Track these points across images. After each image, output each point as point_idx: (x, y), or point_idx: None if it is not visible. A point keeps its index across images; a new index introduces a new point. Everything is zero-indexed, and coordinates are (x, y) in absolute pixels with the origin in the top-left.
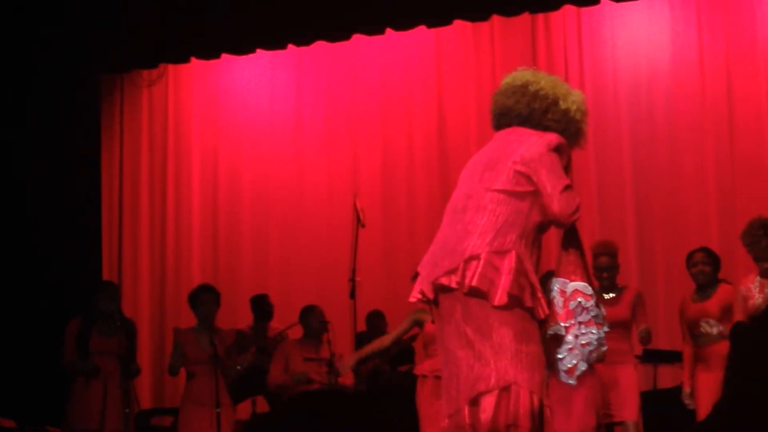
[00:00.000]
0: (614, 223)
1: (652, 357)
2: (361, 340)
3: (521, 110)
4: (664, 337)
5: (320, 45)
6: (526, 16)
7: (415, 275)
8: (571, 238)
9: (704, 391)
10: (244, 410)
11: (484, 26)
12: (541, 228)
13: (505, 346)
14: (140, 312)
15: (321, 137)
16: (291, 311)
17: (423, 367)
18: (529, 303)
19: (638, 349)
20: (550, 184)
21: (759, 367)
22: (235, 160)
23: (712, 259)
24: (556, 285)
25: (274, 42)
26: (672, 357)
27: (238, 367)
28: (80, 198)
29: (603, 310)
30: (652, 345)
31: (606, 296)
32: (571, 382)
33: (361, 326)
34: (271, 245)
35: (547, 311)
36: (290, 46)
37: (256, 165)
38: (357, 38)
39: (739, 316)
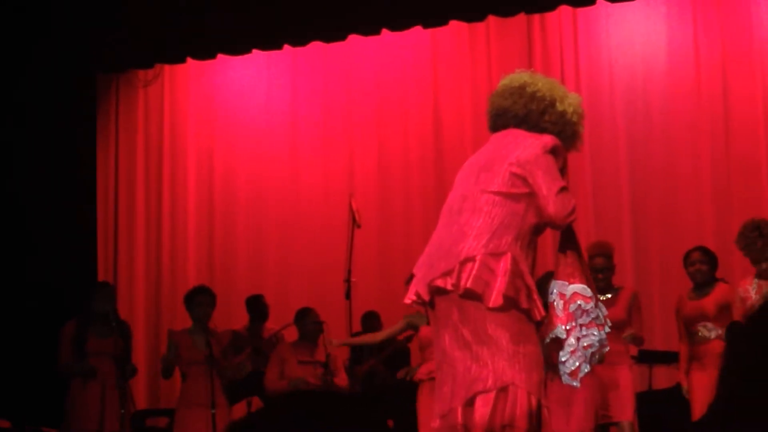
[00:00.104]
0: (610, 223)
1: (648, 358)
2: None
3: (518, 111)
4: (660, 337)
5: (316, 45)
6: (521, 17)
7: (410, 278)
8: (568, 240)
9: (698, 390)
10: (239, 411)
11: (479, 26)
12: (537, 230)
13: (503, 347)
14: (136, 312)
15: (317, 138)
16: (287, 312)
17: (420, 371)
18: (524, 305)
19: (633, 350)
20: (546, 186)
21: (754, 366)
22: (230, 161)
23: (709, 258)
24: (555, 288)
25: (270, 42)
26: (667, 358)
27: (237, 375)
28: (75, 198)
29: (604, 309)
30: (647, 346)
31: (602, 297)
32: (574, 384)
33: (357, 327)
34: (267, 245)
35: (543, 313)
36: (286, 47)
37: (252, 165)
38: (353, 39)
39: (737, 318)
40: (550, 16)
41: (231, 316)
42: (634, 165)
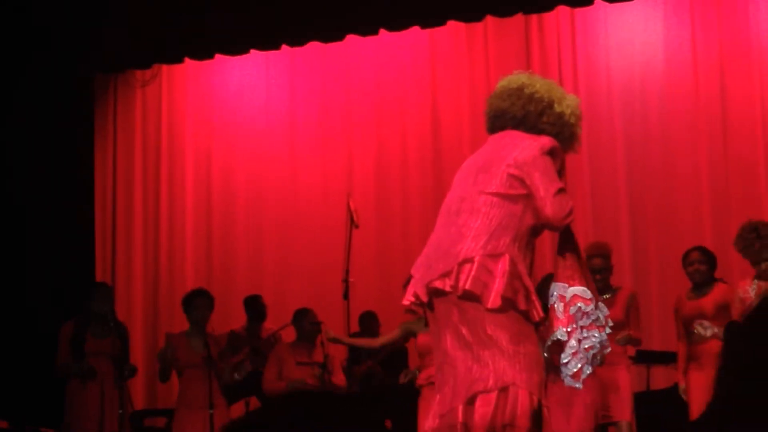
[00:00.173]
0: (608, 224)
1: (646, 358)
2: None
3: (516, 113)
4: (658, 338)
5: (314, 45)
6: (519, 17)
7: (407, 281)
8: (567, 242)
9: (696, 390)
10: (238, 411)
11: (477, 27)
12: (535, 231)
13: (503, 347)
14: (134, 313)
15: (315, 138)
16: (285, 312)
17: (420, 377)
18: (523, 306)
19: (631, 351)
20: (543, 187)
21: (752, 366)
22: (228, 161)
23: (708, 258)
24: (556, 290)
25: (268, 42)
26: (665, 358)
27: (236, 376)
28: (73, 199)
29: (606, 310)
30: (645, 346)
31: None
32: (577, 386)
33: (355, 327)
34: (265, 246)
35: (541, 314)
36: (284, 47)
37: (250, 165)
38: (351, 39)
39: (736, 318)
40: (548, 17)
41: (229, 317)
42: (632, 166)
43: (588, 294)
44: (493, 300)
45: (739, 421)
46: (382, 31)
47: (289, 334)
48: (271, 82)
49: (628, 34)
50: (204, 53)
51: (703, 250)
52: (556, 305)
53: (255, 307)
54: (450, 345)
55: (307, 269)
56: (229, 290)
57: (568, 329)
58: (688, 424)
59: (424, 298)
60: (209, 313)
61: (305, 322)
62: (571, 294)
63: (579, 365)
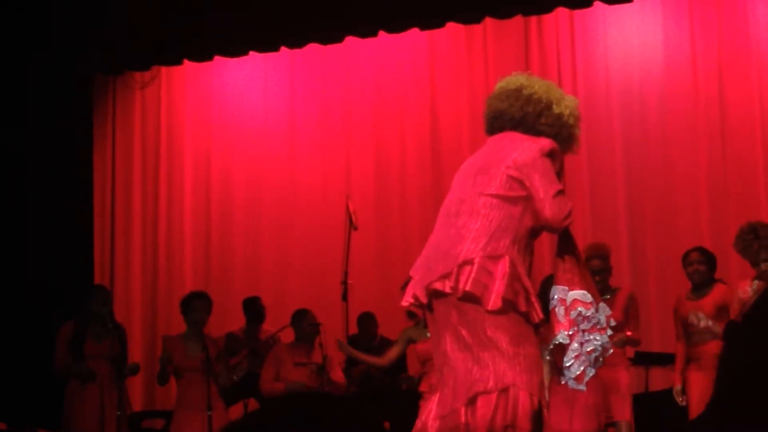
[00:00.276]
0: (607, 225)
1: (644, 359)
2: (352, 342)
3: (514, 114)
4: (657, 339)
5: (313, 47)
6: (518, 19)
7: (406, 282)
8: (566, 244)
9: (696, 390)
10: (236, 413)
11: (476, 28)
12: (534, 233)
13: (503, 349)
14: (132, 314)
15: (314, 139)
16: (283, 313)
17: (422, 385)
18: (523, 307)
19: (630, 352)
20: (543, 188)
21: (751, 365)
22: (227, 162)
23: (708, 259)
24: (556, 294)
25: (267, 44)
26: (664, 359)
27: (234, 377)
28: (72, 199)
29: (608, 310)
30: (644, 347)
31: None
32: (581, 388)
33: (353, 328)
34: (264, 247)
35: (541, 315)
36: (283, 49)
37: (249, 167)
38: (350, 40)
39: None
40: (547, 18)
41: (228, 318)
42: (631, 167)
43: (588, 297)
44: (494, 302)
45: (738, 421)
46: (382, 33)
47: (288, 335)
48: (270, 83)
49: (627, 36)
50: (203, 55)
51: (702, 251)
52: (557, 309)
53: (254, 308)
54: (450, 346)
55: (305, 270)
56: (228, 291)
57: (570, 332)
58: (688, 423)
59: (424, 300)
60: (207, 315)
61: (304, 323)
62: (571, 298)
63: (582, 368)
